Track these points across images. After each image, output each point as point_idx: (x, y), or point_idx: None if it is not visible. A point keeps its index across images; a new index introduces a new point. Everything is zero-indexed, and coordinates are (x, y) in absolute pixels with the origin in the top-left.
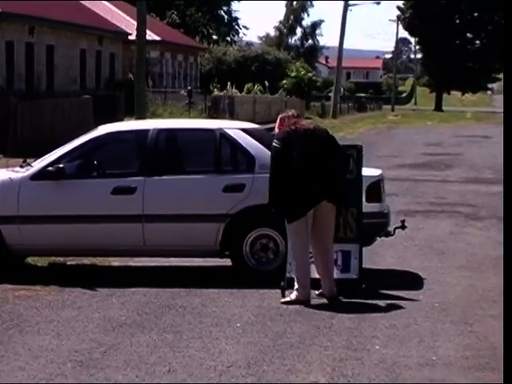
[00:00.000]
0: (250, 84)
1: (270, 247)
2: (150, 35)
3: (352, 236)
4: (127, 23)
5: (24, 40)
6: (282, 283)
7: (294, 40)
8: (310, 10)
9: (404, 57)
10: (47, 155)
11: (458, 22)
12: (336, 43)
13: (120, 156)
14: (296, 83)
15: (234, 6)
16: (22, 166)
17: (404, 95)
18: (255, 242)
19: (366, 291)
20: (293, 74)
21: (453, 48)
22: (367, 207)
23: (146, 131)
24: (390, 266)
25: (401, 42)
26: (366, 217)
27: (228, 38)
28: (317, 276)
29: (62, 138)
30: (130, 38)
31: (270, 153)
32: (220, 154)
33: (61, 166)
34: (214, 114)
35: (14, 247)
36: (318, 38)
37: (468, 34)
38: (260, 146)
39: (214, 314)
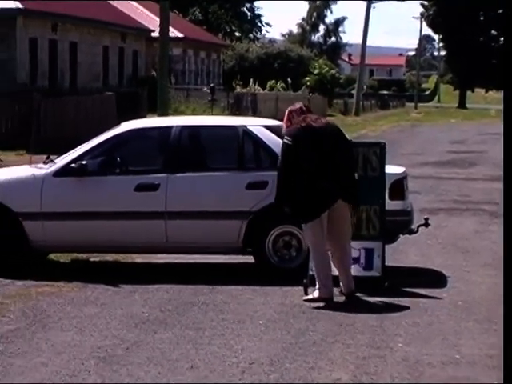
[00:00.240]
0: (272, 81)
1: (292, 244)
2: (173, 32)
3: (375, 234)
4: (150, 20)
5: (47, 37)
6: (305, 280)
7: (316, 37)
8: (333, 7)
9: (427, 54)
10: (70, 152)
11: (482, 18)
12: (359, 40)
13: (143, 153)
14: (319, 80)
15: (257, 3)
16: (45, 163)
17: (427, 93)
18: (278, 239)
19: (389, 289)
20: (316, 72)
21: (477, 45)
22: (390, 205)
23: (169, 128)
24: (413, 264)
25: (424, 40)
26: (389, 214)
27: (251, 35)
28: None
29: (85, 135)
30: (152, 34)
31: None
32: (243, 151)
33: (84, 162)
34: (236, 111)
35: (37, 243)
36: (340, 35)
37: (492, 31)
38: None
39: (237, 311)
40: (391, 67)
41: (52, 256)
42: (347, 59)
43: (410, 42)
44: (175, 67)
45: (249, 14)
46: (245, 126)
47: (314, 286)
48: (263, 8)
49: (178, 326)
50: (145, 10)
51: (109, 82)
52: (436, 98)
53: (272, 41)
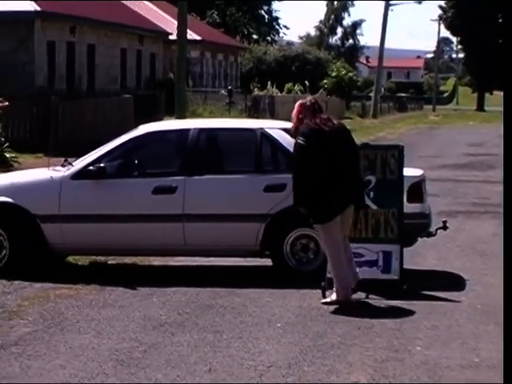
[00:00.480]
0: (290, 84)
1: (310, 247)
2: (191, 35)
3: (393, 237)
4: (168, 23)
5: (65, 39)
6: (323, 283)
7: (334, 40)
8: (351, 10)
9: (445, 56)
10: (88, 154)
11: (500, 20)
12: (377, 43)
13: (161, 155)
14: (336, 83)
15: (275, 5)
16: (63, 166)
17: (445, 95)
18: (296, 242)
19: (407, 292)
20: (333, 74)
21: (495, 47)
22: (408, 208)
23: (186, 131)
24: (431, 267)
25: (442, 42)
26: (407, 217)
27: (268, 38)
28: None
29: (103, 138)
30: (170, 37)
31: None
32: (261, 154)
33: (102, 165)
34: (254, 113)
35: (55, 246)
36: (358, 37)
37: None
38: None
39: (255, 313)
40: (409, 69)
41: (70, 258)
42: (365, 62)
43: (428, 45)
44: (193, 70)
45: (266, 16)
46: (262, 129)
47: (332, 288)
48: (281, 10)
49: (196, 329)
50: (162, 13)
51: (126, 84)
52: (454, 100)
53: (290, 43)
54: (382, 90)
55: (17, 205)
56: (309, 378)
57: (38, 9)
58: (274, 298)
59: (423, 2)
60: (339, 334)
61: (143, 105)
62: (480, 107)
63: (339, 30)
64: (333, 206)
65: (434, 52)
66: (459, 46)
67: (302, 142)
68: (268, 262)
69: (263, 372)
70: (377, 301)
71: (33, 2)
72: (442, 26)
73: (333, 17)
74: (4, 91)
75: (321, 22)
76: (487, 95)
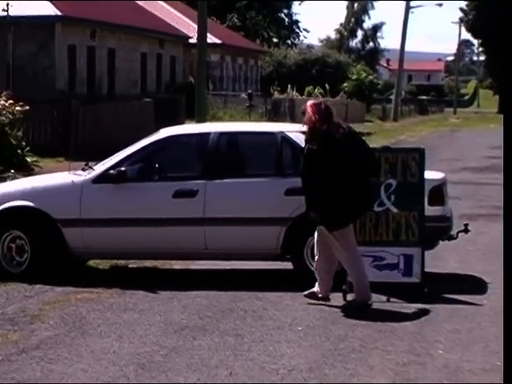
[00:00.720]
0: (310, 87)
1: None
2: (211, 38)
3: (414, 240)
4: (188, 26)
5: (86, 44)
6: (344, 286)
7: (354, 43)
8: (371, 13)
9: (466, 59)
10: (109, 158)
11: None
12: (397, 46)
13: (181, 159)
14: (357, 86)
15: (295, 8)
16: (83, 169)
17: (466, 98)
18: None
19: (429, 295)
20: (354, 77)
21: None
22: (430, 211)
23: (207, 134)
24: (452, 270)
25: (463, 44)
26: (428, 220)
27: (288, 41)
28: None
29: (123, 142)
30: (190, 41)
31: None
32: (281, 157)
33: (122, 169)
34: (274, 116)
35: (76, 250)
36: (379, 40)
37: None
38: None
39: (276, 317)
40: (430, 72)
41: (91, 262)
42: (385, 64)
43: (449, 47)
44: (213, 73)
45: (286, 19)
46: (283, 132)
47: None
48: (301, 14)
49: (217, 333)
50: (182, 16)
51: (147, 88)
52: (475, 103)
53: (310, 46)
54: (403, 92)
55: (38, 209)
56: (330, 381)
57: (59, 13)
58: (294, 302)
59: (444, 4)
60: (360, 337)
61: (163, 108)
62: (501, 110)
63: (359, 33)
64: (343, 209)
65: (455, 54)
66: (480, 49)
67: (312, 146)
68: (289, 265)
69: (284, 375)
70: (398, 304)
71: (53, 7)
72: (463, 29)
73: (353, 20)
74: (25, 95)
75: (341, 24)
76: None
